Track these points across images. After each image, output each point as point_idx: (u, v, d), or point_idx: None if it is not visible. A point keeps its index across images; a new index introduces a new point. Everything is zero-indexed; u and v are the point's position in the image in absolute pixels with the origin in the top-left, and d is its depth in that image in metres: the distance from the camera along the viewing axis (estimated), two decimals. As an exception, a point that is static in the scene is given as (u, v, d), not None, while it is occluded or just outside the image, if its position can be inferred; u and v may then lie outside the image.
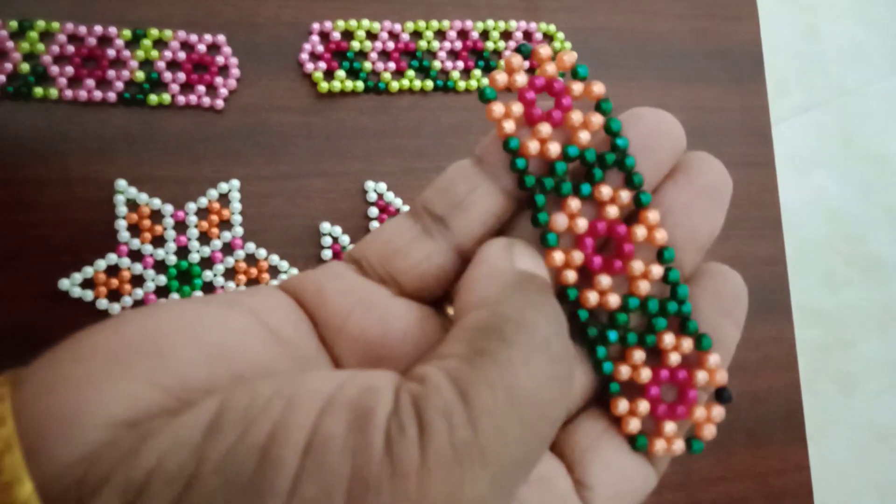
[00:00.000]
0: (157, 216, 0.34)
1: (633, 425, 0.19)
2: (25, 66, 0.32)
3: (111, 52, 0.33)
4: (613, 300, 0.18)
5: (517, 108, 0.18)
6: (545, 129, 0.18)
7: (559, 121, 0.18)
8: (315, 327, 0.18)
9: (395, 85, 0.37)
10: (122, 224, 0.33)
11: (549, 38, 0.39)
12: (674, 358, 0.19)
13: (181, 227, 0.34)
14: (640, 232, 0.18)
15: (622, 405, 0.19)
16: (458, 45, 0.38)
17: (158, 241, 0.34)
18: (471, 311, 0.16)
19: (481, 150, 0.19)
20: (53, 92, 0.32)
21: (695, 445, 0.19)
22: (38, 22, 0.33)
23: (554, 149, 0.18)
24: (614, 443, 0.19)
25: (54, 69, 0.33)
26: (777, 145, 1.16)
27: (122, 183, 0.33)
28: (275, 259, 0.34)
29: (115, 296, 0.33)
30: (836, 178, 1.16)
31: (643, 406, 0.19)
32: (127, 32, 0.34)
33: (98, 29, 0.33)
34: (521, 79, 0.18)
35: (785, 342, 0.43)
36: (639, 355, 0.19)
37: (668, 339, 0.19)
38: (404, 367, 0.18)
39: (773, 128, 1.13)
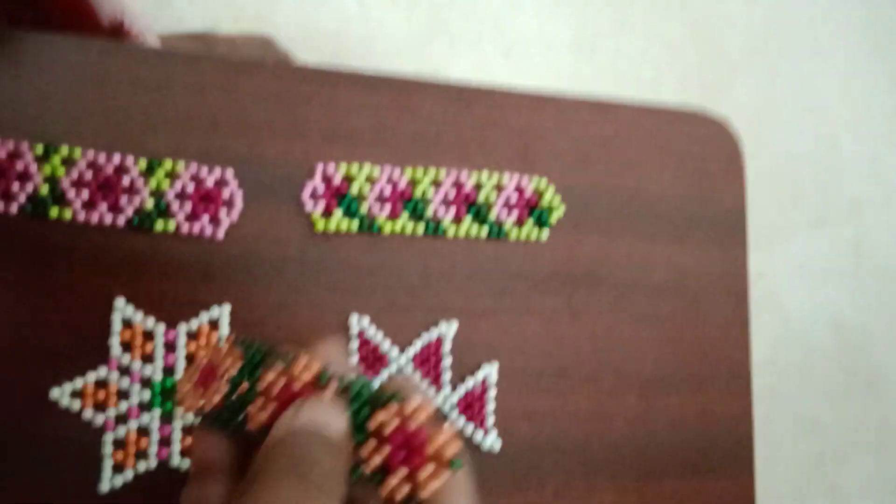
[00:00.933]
0: (149, 334, 0.36)
1: None
2: (45, 189, 0.35)
3: (126, 181, 0.36)
4: None
5: None
6: None
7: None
8: None
9: (388, 227, 0.39)
10: (115, 341, 0.35)
11: (539, 193, 0.42)
12: None
13: (171, 346, 0.36)
14: None
15: None
16: (452, 193, 0.40)
17: (148, 358, 0.36)
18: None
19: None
20: (68, 213, 0.35)
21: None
22: (62, 147, 0.35)
23: None
24: None
25: (72, 193, 0.35)
26: (788, 255, 1.17)
27: (120, 301, 0.36)
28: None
29: (100, 407, 0.35)
30: (845, 290, 1.16)
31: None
32: (143, 162, 0.36)
33: (116, 157, 0.36)
34: None
35: (745, 500, 0.44)
36: None
37: None
38: None
39: (786, 236, 1.13)
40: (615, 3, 1.10)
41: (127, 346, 0.36)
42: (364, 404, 0.22)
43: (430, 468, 0.21)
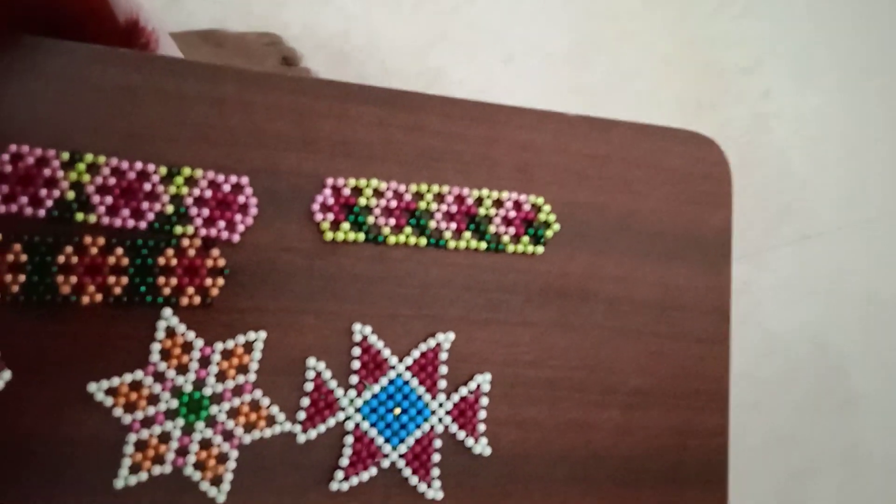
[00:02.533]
0: (188, 346, 0.38)
1: None
2: (71, 194, 0.37)
3: (147, 186, 0.38)
4: None
5: None
6: None
7: None
8: None
9: (392, 239, 0.41)
10: (156, 347, 0.37)
11: (536, 209, 0.44)
12: None
13: (205, 361, 0.38)
14: None
15: None
16: (455, 208, 0.42)
17: (182, 369, 0.38)
18: None
19: None
20: (92, 218, 0.37)
21: None
22: (87, 155, 0.37)
23: None
24: None
25: (96, 198, 0.37)
26: (771, 271, 1.19)
27: (167, 311, 0.38)
28: (258, 394, 0.39)
29: (130, 408, 0.37)
30: (827, 309, 1.19)
31: None
32: (163, 169, 0.38)
33: (139, 165, 0.38)
34: None
35: (720, 510, 0.46)
36: None
37: None
38: None
39: (770, 252, 1.16)
40: (614, 18, 1.12)
41: (166, 354, 0.38)
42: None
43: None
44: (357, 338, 0.41)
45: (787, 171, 1.19)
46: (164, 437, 0.37)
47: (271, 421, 0.39)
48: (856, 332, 1.18)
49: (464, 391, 0.42)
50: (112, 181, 0.38)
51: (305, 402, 0.39)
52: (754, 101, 1.17)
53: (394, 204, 0.42)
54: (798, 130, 1.20)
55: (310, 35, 1.01)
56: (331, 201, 0.41)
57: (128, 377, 0.37)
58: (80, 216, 0.37)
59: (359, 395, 0.40)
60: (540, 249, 0.44)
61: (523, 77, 1.09)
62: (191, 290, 0.38)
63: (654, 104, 1.12)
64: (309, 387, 0.40)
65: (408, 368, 0.41)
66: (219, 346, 0.38)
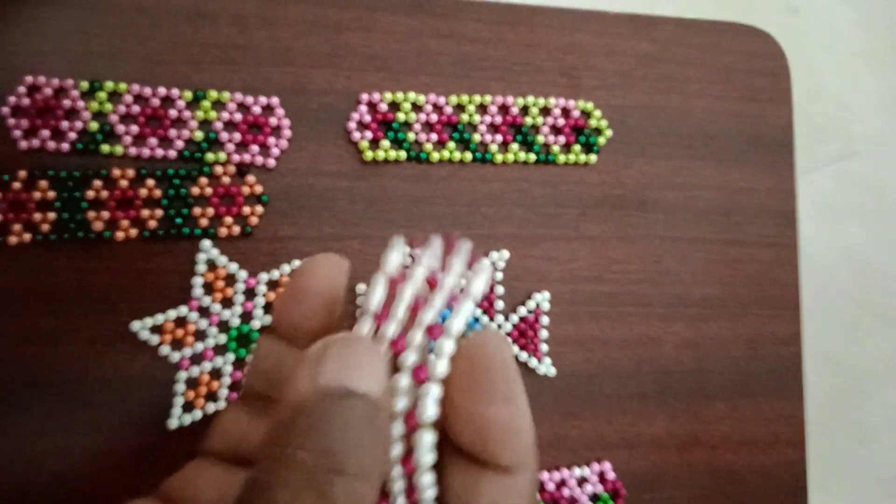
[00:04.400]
0: (231, 279, 0.36)
1: None
2: (94, 125, 0.35)
3: (173, 113, 0.36)
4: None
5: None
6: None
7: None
8: None
9: (435, 155, 0.39)
10: (198, 281, 0.35)
11: (586, 115, 0.41)
12: None
13: (250, 293, 0.36)
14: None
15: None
16: (499, 119, 0.40)
17: (227, 303, 0.36)
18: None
19: (273, 322, 0.21)
20: (119, 149, 0.35)
21: None
22: (107, 83, 0.35)
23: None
24: None
25: (120, 128, 0.35)
26: (809, 194, 1.16)
27: (206, 243, 0.35)
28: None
29: (177, 345, 0.35)
30: (866, 228, 1.15)
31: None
32: (188, 94, 0.36)
33: (162, 90, 0.35)
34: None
35: (795, 420, 0.44)
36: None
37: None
38: None
39: (807, 175, 1.13)
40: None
41: (208, 289, 0.36)
42: None
43: None
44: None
45: (820, 90, 1.14)
46: (216, 374, 0.35)
47: None
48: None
49: (522, 311, 0.40)
50: (136, 109, 0.35)
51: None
52: (782, 20, 1.13)
53: (434, 118, 0.39)
54: (828, 48, 1.15)
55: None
56: (367, 118, 0.38)
57: (172, 313, 0.35)
58: (105, 147, 0.35)
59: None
60: (593, 158, 0.41)
61: None
62: (229, 219, 0.36)
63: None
64: (359, 314, 0.37)
65: (463, 289, 0.39)
66: (263, 276, 0.36)
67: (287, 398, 0.16)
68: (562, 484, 0.39)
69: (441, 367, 0.18)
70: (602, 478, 0.40)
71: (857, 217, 1.15)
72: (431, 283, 0.20)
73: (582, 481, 0.40)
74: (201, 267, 0.35)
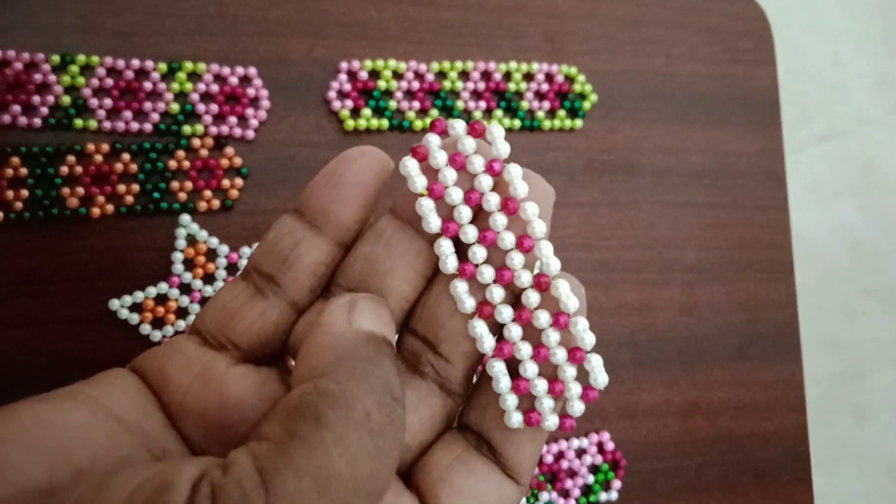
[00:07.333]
0: (212, 254, 0.35)
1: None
2: (67, 99, 0.34)
3: (148, 85, 0.35)
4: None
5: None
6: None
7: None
8: (160, 406, 0.18)
9: (418, 123, 0.38)
10: (178, 257, 0.34)
11: (570, 80, 0.40)
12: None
13: (233, 268, 0.35)
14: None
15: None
16: (482, 85, 0.39)
17: (208, 279, 0.35)
18: (298, 384, 0.16)
19: (301, 203, 0.20)
20: (93, 123, 0.34)
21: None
22: (79, 56, 0.34)
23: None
24: (468, 467, 0.19)
25: (94, 102, 0.34)
26: (798, 174, 1.16)
27: (185, 218, 0.34)
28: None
29: (158, 323, 0.34)
30: (857, 207, 1.15)
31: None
32: (163, 66, 0.35)
33: (136, 63, 0.35)
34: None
35: (795, 384, 0.43)
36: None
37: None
38: (244, 433, 0.17)
39: (794, 156, 1.13)
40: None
41: (189, 265, 0.35)
42: None
43: None
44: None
45: (802, 71, 1.14)
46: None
47: None
48: (889, 228, 1.15)
49: (513, 279, 0.39)
50: (109, 82, 0.34)
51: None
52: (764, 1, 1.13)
53: (416, 85, 0.38)
54: (811, 28, 1.16)
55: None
56: (347, 87, 0.37)
57: (152, 291, 0.34)
58: (78, 122, 0.34)
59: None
60: (579, 123, 0.40)
61: None
62: (208, 193, 0.35)
63: None
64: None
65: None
66: (245, 251, 0.35)
67: (322, 330, 0.17)
68: (560, 456, 0.39)
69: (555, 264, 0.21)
70: (601, 448, 0.39)
71: (847, 197, 1.15)
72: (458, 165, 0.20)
73: (581, 453, 0.39)
74: (181, 242, 0.34)
